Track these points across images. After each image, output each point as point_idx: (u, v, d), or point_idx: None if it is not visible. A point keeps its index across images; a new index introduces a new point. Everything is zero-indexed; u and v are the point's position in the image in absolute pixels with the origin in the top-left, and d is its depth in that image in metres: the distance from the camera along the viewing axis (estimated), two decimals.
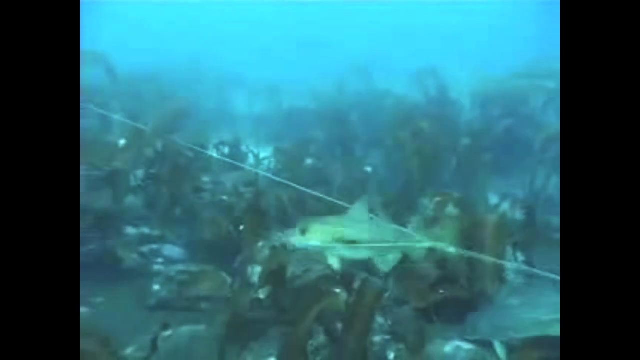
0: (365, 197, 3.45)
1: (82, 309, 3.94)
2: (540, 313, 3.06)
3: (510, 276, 4.21)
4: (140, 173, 5.35)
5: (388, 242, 3.13)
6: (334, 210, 3.64)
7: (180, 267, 4.41)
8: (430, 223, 3.75)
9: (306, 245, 3.22)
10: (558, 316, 2.91)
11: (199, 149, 4.82)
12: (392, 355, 3.15)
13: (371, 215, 3.34)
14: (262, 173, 5.37)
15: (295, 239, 3.20)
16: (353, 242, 3.13)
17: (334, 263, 3.18)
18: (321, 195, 3.34)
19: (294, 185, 3.44)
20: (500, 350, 3.06)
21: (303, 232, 3.18)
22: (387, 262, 3.17)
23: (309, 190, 3.44)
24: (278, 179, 3.77)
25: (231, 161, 4.75)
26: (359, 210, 3.32)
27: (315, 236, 3.16)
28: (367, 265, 3.56)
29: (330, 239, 3.14)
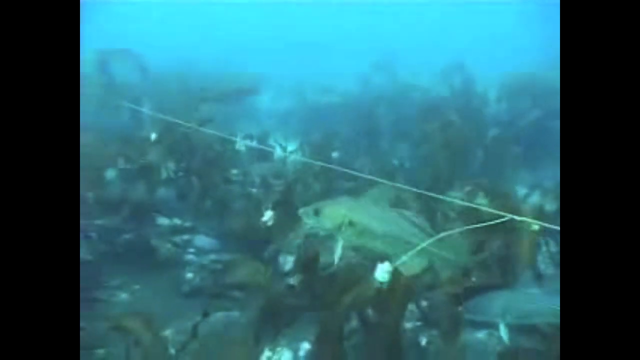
0: (389, 185, 3.16)
1: (122, 295, 4.10)
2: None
3: (542, 266, 4.18)
4: (171, 166, 5.50)
5: (408, 240, 2.83)
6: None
7: (213, 256, 4.55)
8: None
9: (319, 227, 3.03)
10: None
11: (232, 137, 4.90)
12: (424, 341, 3.18)
13: (398, 210, 3.03)
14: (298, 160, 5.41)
15: (310, 219, 2.99)
16: (363, 231, 2.89)
17: (337, 252, 2.93)
18: (360, 174, 3.22)
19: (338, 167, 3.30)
20: (504, 332, 3.03)
21: (316, 212, 2.97)
22: (409, 267, 2.83)
23: (347, 170, 3.28)
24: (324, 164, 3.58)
25: (262, 147, 4.79)
26: (377, 196, 3.13)
27: (327, 218, 2.94)
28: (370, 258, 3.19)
29: (339, 222, 2.90)
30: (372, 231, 2.88)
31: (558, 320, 2.98)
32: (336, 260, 2.94)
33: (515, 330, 3.06)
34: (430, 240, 2.73)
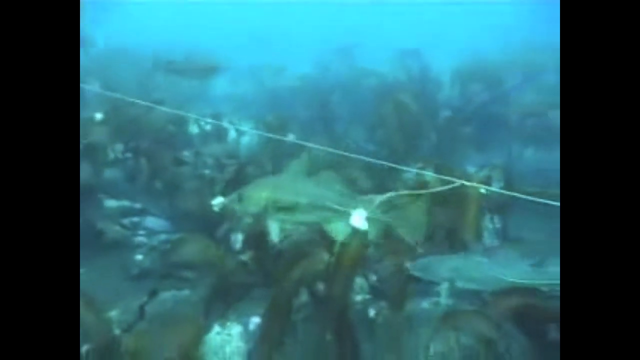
0: (303, 157, 3.35)
1: None
2: (506, 274, 3.19)
3: (487, 241, 4.37)
4: (119, 147, 5.31)
5: (330, 207, 2.90)
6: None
7: (163, 237, 4.45)
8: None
9: (244, 212, 3.13)
10: (519, 280, 3.08)
11: (188, 114, 4.77)
12: (372, 313, 3.24)
13: (314, 179, 3.10)
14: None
15: (236, 206, 3.07)
16: (289, 207, 2.95)
17: (273, 231, 3.00)
18: (325, 148, 3.27)
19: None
20: (445, 294, 3.19)
21: (240, 198, 3.03)
22: (338, 231, 2.92)
23: (301, 142, 3.34)
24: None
25: (216, 122, 4.71)
26: (295, 169, 3.20)
27: (251, 203, 3.00)
28: (319, 232, 3.25)
29: (264, 205, 2.95)
30: (297, 205, 2.94)
31: (501, 288, 3.13)
32: (276, 240, 2.99)
33: (457, 295, 3.18)
34: (380, 200, 2.80)
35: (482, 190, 2.38)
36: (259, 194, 2.96)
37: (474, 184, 2.48)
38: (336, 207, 2.89)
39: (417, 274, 3.23)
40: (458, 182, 2.47)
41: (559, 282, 3.07)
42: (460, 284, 3.17)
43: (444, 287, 3.18)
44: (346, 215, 2.86)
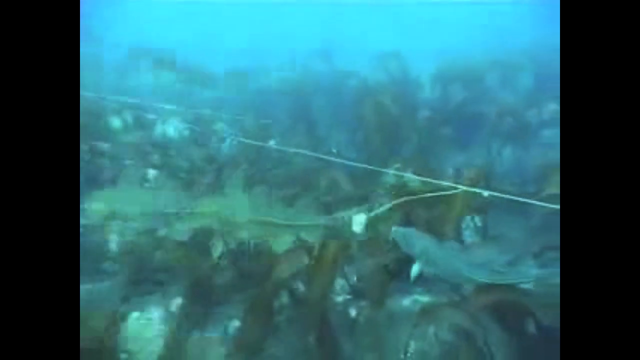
0: (139, 166, 3.49)
1: None
2: (475, 273, 3.22)
3: (468, 240, 4.38)
4: (85, 147, 5.16)
5: (166, 212, 3.26)
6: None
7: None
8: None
9: (90, 224, 3.38)
10: (490, 280, 3.12)
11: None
12: (354, 312, 3.22)
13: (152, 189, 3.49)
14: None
15: (83, 219, 3.35)
16: (123, 215, 3.27)
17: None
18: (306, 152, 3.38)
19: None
20: (415, 269, 3.26)
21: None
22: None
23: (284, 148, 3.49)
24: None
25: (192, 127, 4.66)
26: (129, 180, 3.54)
27: (93, 214, 3.33)
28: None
29: (105, 215, 3.29)
30: (133, 214, 3.23)
31: (472, 285, 3.14)
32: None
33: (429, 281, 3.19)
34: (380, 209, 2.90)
35: (485, 194, 2.46)
36: (98, 205, 3.26)
37: (472, 189, 2.51)
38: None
39: (395, 237, 3.33)
40: (460, 187, 2.56)
41: (531, 280, 3.10)
42: (425, 265, 3.21)
43: (414, 267, 3.24)
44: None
